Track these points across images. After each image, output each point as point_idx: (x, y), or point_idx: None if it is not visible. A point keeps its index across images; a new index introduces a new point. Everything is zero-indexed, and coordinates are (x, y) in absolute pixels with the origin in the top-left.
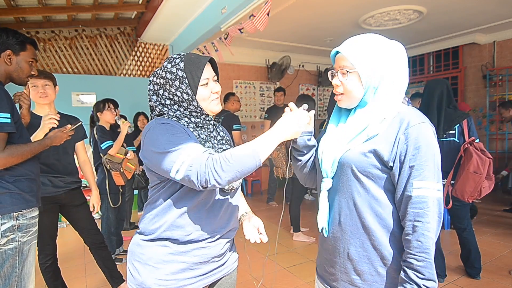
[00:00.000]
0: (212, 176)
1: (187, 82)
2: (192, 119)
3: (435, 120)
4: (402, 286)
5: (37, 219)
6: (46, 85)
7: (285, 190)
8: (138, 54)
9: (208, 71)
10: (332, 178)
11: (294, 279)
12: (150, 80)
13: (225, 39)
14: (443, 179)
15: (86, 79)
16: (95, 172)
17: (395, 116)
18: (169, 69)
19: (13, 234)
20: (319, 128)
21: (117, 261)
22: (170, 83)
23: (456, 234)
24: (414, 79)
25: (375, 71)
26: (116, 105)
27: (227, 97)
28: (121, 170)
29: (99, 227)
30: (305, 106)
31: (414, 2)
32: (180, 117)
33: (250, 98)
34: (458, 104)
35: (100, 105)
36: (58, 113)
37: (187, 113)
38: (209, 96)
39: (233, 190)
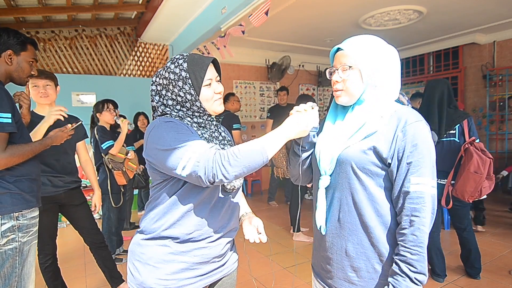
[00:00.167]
0: (220, 170)
1: (190, 82)
2: (195, 119)
3: (436, 120)
4: (393, 278)
5: (38, 219)
6: (47, 85)
7: (286, 190)
8: (138, 54)
9: (211, 71)
10: (330, 175)
11: (294, 279)
12: (152, 81)
13: (222, 37)
14: (443, 179)
15: (86, 79)
16: (96, 172)
17: (392, 115)
18: (172, 70)
19: (13, 234)
20: None
21: (117, 261)
22: (173, 83)
23: (456, 234)
24: (414, 79)
25: (375, 69)
26: (115, 106)
27: (227, 97)
28: (124, 170)
29: (100, 227)
30: (315, 105)
31: (414, 2)
32: (183, 117)
33: (250, 98)
34: None
35: (99, 106)
36: None
37: (189, 113)
38: (212, 96)
39: (234, 190)
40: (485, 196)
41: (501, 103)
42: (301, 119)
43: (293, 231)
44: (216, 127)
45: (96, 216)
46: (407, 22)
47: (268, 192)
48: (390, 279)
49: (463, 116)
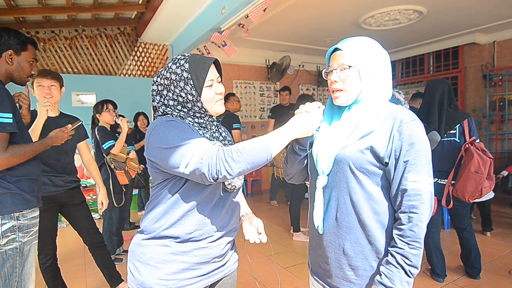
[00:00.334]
0: (224, 167)
1: (191, 83)
2: (196, 120)
3: (436, 120)
4: (386, 267)
5: (38, 219)
6: (52, 85)
7: (286, 190)
8: (138, 54)
9: (212, 72)
10: (327, 175)
11: (294, 279)
12: (153, 81)
13: (219, 33)
14: (443, 179)
15: (86, 79)
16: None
17: (387, 115)
18: (173, 70)
19: (14, 234)
20: None
21: (118, 261)
22: (175, 84)
23: (456, 234)
24: (414, 79)
25: (372, 69)
26: (114, 106)
27: (227, 97)
28: (126, 169)
29: (100, 227)
30: (321, 105)
31: (414, 2)
32: (184, 117)
33: (250, 98)
34: None
35: (99, 107)
36: (60, 113)
37: (191, 114)
38: (213, 97)
39: (235, 190)
40: (491, 196)
41: (501, 103)
42: (306, 120)
43: (293, 231)
44: (216, 128)
45: (96, 216)
46: (407, 22)
47: (270, 191)
48: (382, 269)
49: (464, 116)
